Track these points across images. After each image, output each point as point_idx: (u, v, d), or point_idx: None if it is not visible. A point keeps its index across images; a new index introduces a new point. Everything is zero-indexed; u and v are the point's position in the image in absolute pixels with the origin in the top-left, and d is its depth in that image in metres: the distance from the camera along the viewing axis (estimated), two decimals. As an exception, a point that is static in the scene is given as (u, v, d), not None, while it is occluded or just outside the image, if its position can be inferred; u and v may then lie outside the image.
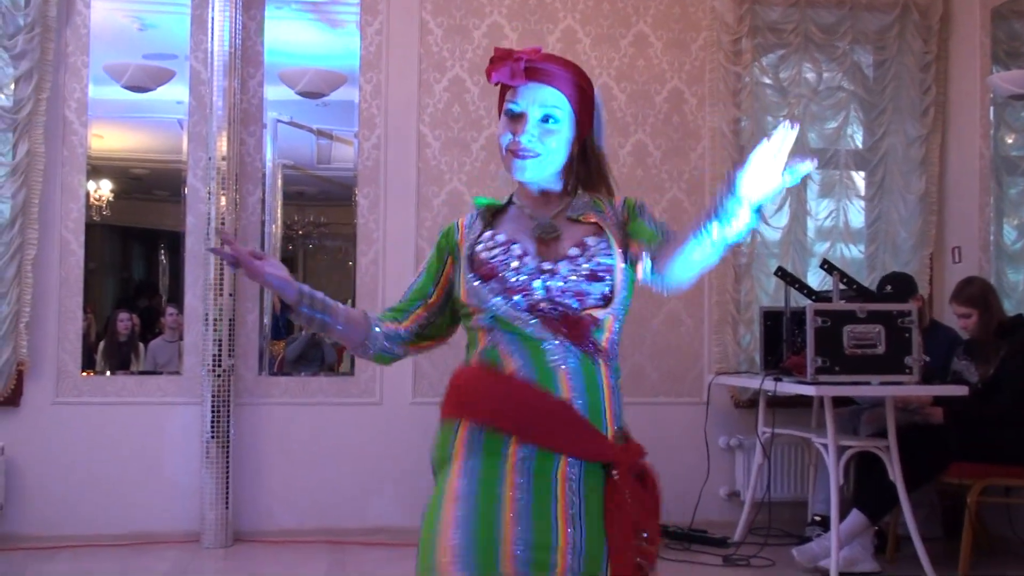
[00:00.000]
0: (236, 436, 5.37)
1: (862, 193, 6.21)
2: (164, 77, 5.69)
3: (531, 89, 2.04)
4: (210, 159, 5.39)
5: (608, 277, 2.04)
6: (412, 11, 5.72)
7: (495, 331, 2.02)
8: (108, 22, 5.62)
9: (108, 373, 5.55)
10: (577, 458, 1.96)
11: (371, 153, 5.69)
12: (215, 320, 5.32)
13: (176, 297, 5.66)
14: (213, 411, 5.28)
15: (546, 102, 2.04)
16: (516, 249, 2.05)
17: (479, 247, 2.09)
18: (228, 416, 5.31)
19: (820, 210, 6.20)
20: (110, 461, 5.35)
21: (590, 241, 2.06)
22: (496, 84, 2.08)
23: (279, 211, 5.91)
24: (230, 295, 5.35)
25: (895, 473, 4.67)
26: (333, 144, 6.44)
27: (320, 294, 2.13)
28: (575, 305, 2.01)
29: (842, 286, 5.08)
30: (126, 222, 6.00)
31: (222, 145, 5.36)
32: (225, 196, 5.35)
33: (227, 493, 5.28)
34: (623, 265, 2.05)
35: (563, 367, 1.99)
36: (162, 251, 6.17)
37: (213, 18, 5.38)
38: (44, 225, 5.35)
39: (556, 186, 2.12)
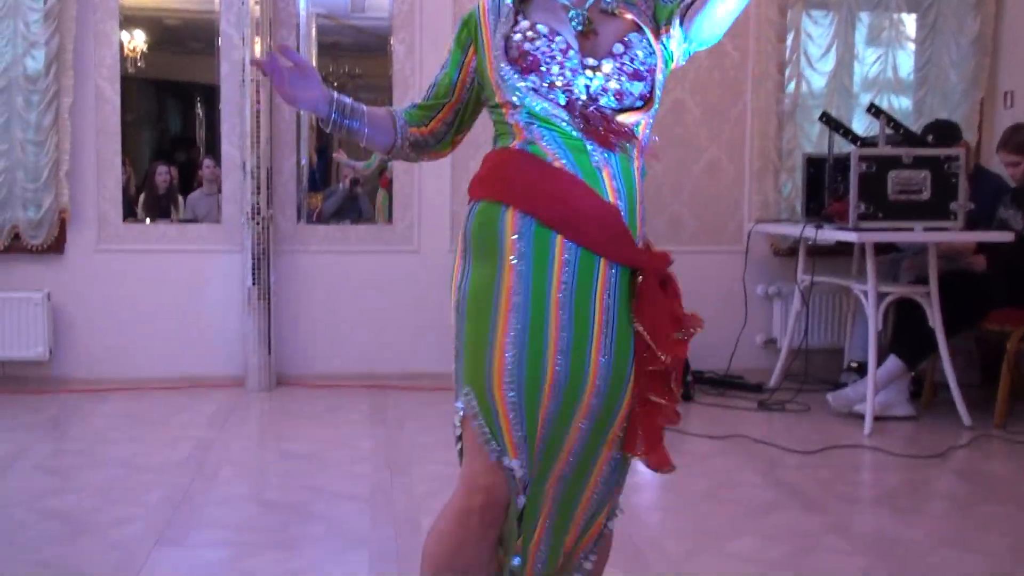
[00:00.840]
0: (276, 284, 5.44)
1: (912, 36, 6.01)
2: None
3: None
4: (243, 4, 5.29)
5: (649, 77, 1.94)
6: None
7: (533, 127, 1.92)
8: None
9: (148, 221, 5.59)
10: (616, 262, 1.91)
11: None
12: (253, 169, 5.32)
13: (213, 150, 5.65)
14: (253, 259, 5.33)
15: None
16: (560, 42, 1.93)
17: (516, 36, 1.95)
18: (268, 264, 5.36)
19: (868, 56, 6.01)
20: (154, 307, 5.45)
21: (633, 39, 1.96)
22: None
23: (314, 62, 5.80)
24: (267, 143, 5.33)
25: (935, 319, 4.65)
26: (367, -8, 6.29)
27: (350, 100, 2.04)
28: (614, 104, 1.92)
29: (888, 131, 4.96)
30: (161, 75, 5.94)
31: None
32: (260, 42, 5.27)
33: (269, 339, 5.38)
34: (663, 65, 1.97)
35: (607, 169, 1.90)
36: (198, 104, 6.11)
37: None
38: (79, 73, 5.31)
39: None
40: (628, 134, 1.92)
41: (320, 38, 5.84)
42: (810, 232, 4.96)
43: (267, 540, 3.21)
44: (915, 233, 4.63)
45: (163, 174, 5.75)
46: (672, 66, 2.02)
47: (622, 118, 1.92)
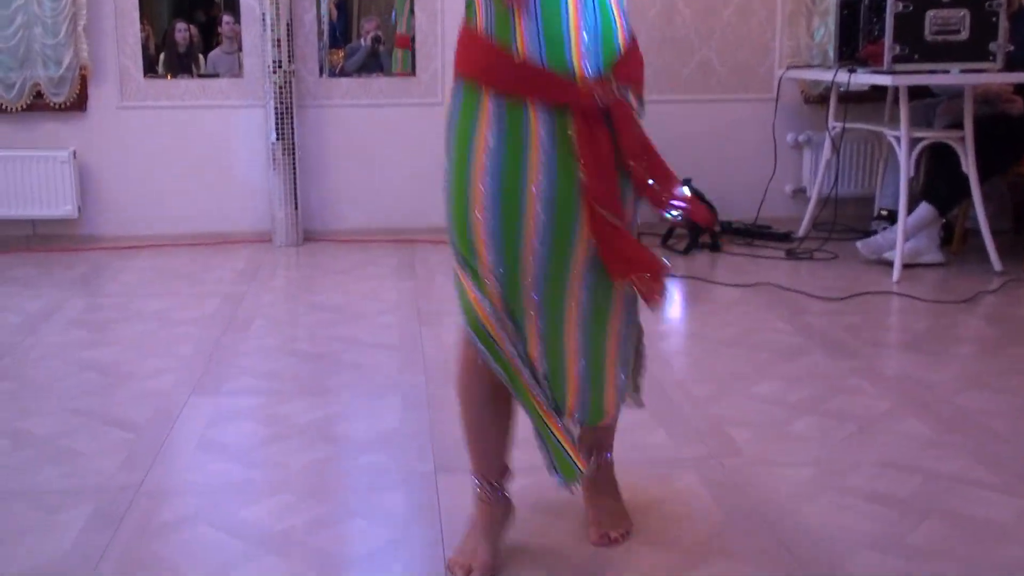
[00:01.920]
0: (300, 138, 5.40)
1: None
2: None
3: None
4: None
5: None
6: None
7: None
8: None
9: (170, 77, 5.51)
10: (536, 103, 1.87)
11: None
12: (273, 21, 5.21)
13: (232, 6, 5.51)
14: (277, 114, 5.28)
15: None
16: None
17: None
18: (292, 118, 5.31)
19: None
20: (180, 164, 5.44)
21: None
22: None
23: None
24: (285, -7, 5.21)
25: (968, 164, 4.57)
26: None
27: None
28: None
29: (927, -32, 4.76)
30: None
31: None
32: None
33: (295, 194, 5.37)
34: None
35: (525, 7, 1.83)
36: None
37: None
38: (91, -78, 5.18)
39: None
40: None
41: None
42: (843, 77, 4.83)
43: (299, 388, 3.27)
44: (952, 75, 4.51)
45: (182, 31, 5.64)
46: None
47: None
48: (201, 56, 5.69)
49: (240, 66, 5.46)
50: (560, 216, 1.91)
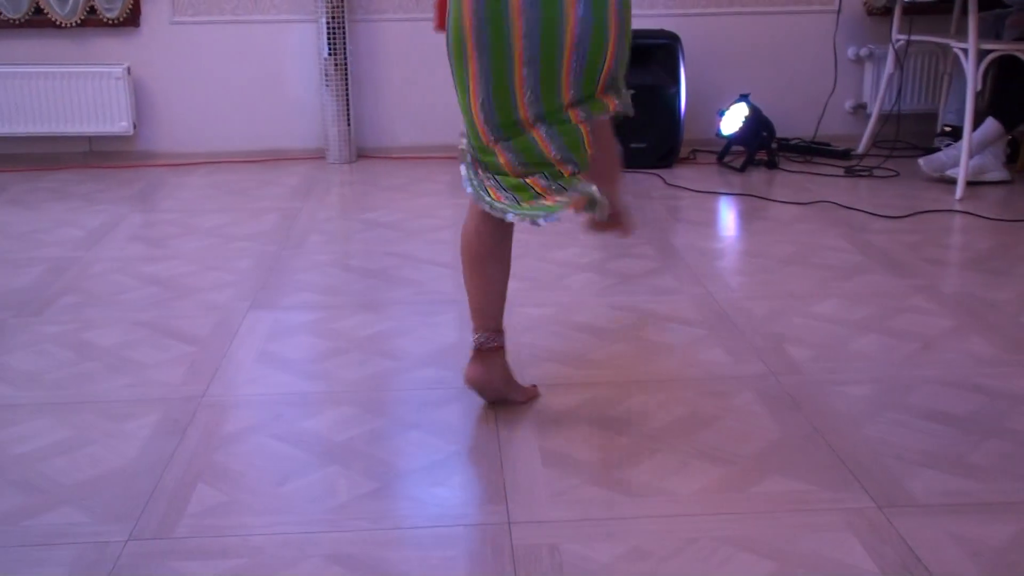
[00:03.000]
0: (353, 53, 5.36)
1: None
2: None
3: None
4: None
5: None
6: None
7: None
8: None
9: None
10: None
11: None
12: (323, -68, 5.14)
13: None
14: (329, 28, 5.23)
15: None
16: None
17: None
18: (344, 33, 5.26)
19: None
20: (233, 80, 5.43)
21: None
22: None
23: None
24: (336, -96, 5.12)
25: (1039, 78, 4.42)
26: None
27: None
28: None
29: None
30: None
31: None
32: None
33: (348, 110, 5.35)
34: None
35: None
36: None
37: None
38: None
39: None
40: None
41: None
42: (909, -13, 4.68)
43: (356, 302, 3.29)
44: (1024, -16, 4.35)
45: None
46: None
47: None
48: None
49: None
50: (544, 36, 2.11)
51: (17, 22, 5.25)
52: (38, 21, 5.27)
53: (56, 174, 5.15)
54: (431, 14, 5.37)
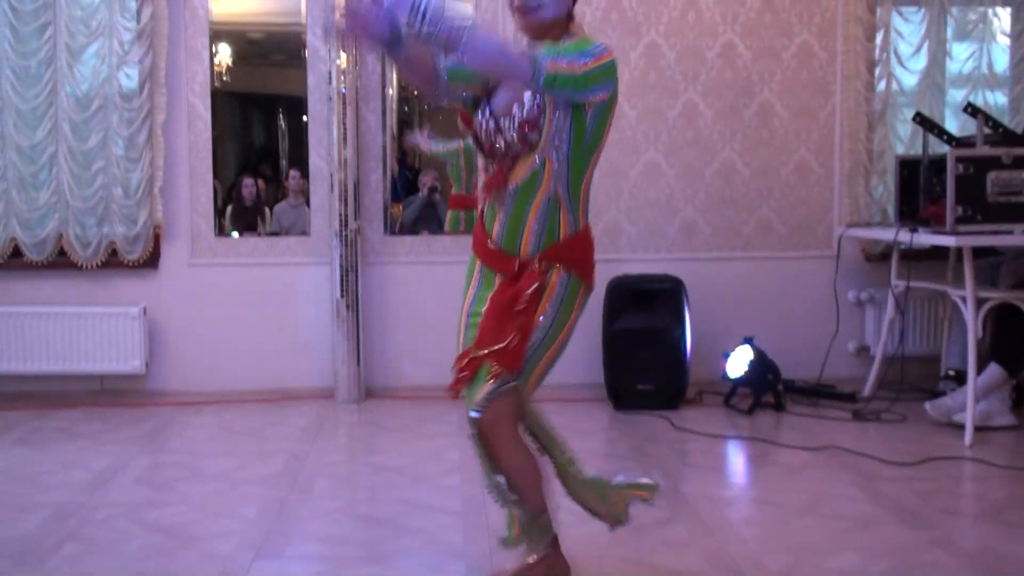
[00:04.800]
0: (364, 295, 5.49)
1: (1007, 31, 5.83)
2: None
3: None
4: (328, 19, 5.34)
5: (540, 125, 2.55)
6: None
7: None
8: None
9: (236, 235, 5.67)
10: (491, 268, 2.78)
11: (489, 5, 5.57)
12: (340, 181, 5.38)
13: (297, 161, 5.72)
14: (342, 271, 5.39)
15: None
16: (487, 111, 2.66)
17: (478, 110, 2.72)
18: (356, 276, 5.41)
19: (960, 52, 5.85)
20: (246, 320, 5.54)
21: (526, 97, 2.58)
22: None
23: (395, 73, 5.84)
24: (354, 156, 5.38)
25: (1038, 325, 4.50)
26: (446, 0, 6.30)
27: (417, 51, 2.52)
28: (516, 151, 2.60)
29: (987, 130, 4.81)
30: (245, 88, 6.03)
31: (340, 1, 5.30)
32: (345, 54, 5.32)
33: (358, 351, 5.43)
34: (557, 113, 2.53)
35: (503, 203, 2.67)
36: (281, 116, 6.20)
37: None
38: (171, 90, 5.42)
39: (545, 37, 2.60)
40: (507, 180, 2.64)
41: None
42: (905, 237, 4.84)
43: (362, 554, 3.23)
44: (1016, 236, 4.49)
45: (249, 186, 5.84)
46: (585, 121, 2.56)
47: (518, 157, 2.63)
48: (267, 209, 5.88)
49: (304, 219, 5.62)
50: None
51: (40, 264, 5.42)
52: (60, 263, 5.44)
53: (65, 412, 5.17)
54: (441, 258, 5.57)
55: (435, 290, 5.59)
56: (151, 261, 5.48)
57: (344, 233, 5.39)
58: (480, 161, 2.81)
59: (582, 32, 2.65)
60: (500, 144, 2.62)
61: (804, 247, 5.70)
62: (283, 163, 6.01)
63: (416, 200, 5.81)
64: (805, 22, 5.64)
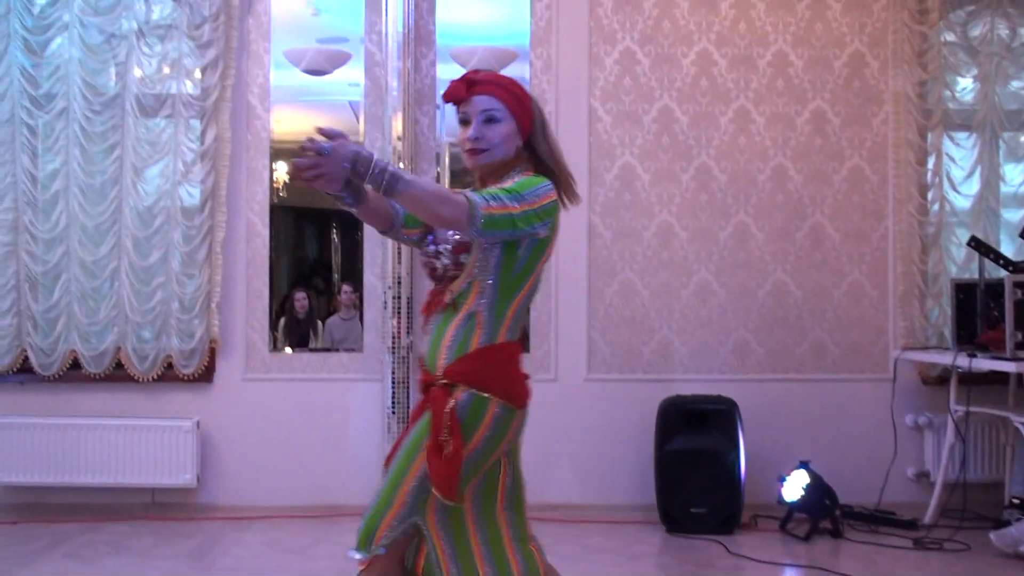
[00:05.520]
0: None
1: (1060, 154, 5.85)
2: (341, 60, 5.81)
3: (474, 100, 2.62)
4: (386, 139, 5.48)
5: (471, 249, 2.57)
6: (581, -16, 5.67)
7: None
8: (285, 8, 5.75)
9: (289, 350, 5.73)
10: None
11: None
12: (394, 298, 5.43)
13: (349, 275, 5.80)
14: (393, 388, 5.40)
15: (485, 106, 2.60)
16: (429, 236, 2.68)
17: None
18: (407, 393, 5.42)
19: (1013, 175, 5.85)
20: (298, 435, 5.55)
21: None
22: (447, 103, 2.65)
23: (447, 185, 5.96)
24: (408, 274, 5.45)
25: (1105, 455, 4.39)
26: (498, 120, 6.44)
27: (366, 188, 2.49)
28: (451, 273, 2.61)
29: (1044, 256, 4.79)
30: (300, 203, 6.16)
31: (397, 125, 5.45)
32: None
33: (408, 467, 5.39)
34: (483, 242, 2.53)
35: (434, 323, 2.66)
36: (334, 230, 6.31)
37: (387, 1, 5.46)
38: (232, 208, 5.56)
39: (495, 174, 2.63)
40: (441, 302, 2.63)
41: (453, 165, 5.98)
42: (963, 361, 4.78)
43: None
44: (1079, 363, 4.42)
45: (301, 300, 5.92)
46: (518, 249, 2.55)
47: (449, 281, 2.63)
48: (320, 322, 5.94)
49: (356, 332, 5.67)
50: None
51: (98, 376, 5.49)
52: (117, 375, 5.51)
53: (116, 526, 5.17)
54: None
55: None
56: (206, 375, 5.54)
57: (396, 349, 5.42)
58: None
59: (530, 170, 2.62)
60: (439, 267, 2.63)
61: (859, 369, 5.64)
62: (335, 277, 6.11)
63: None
64: (856, 146, 5.68)
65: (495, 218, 2.43)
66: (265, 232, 5.63)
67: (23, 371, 5.53)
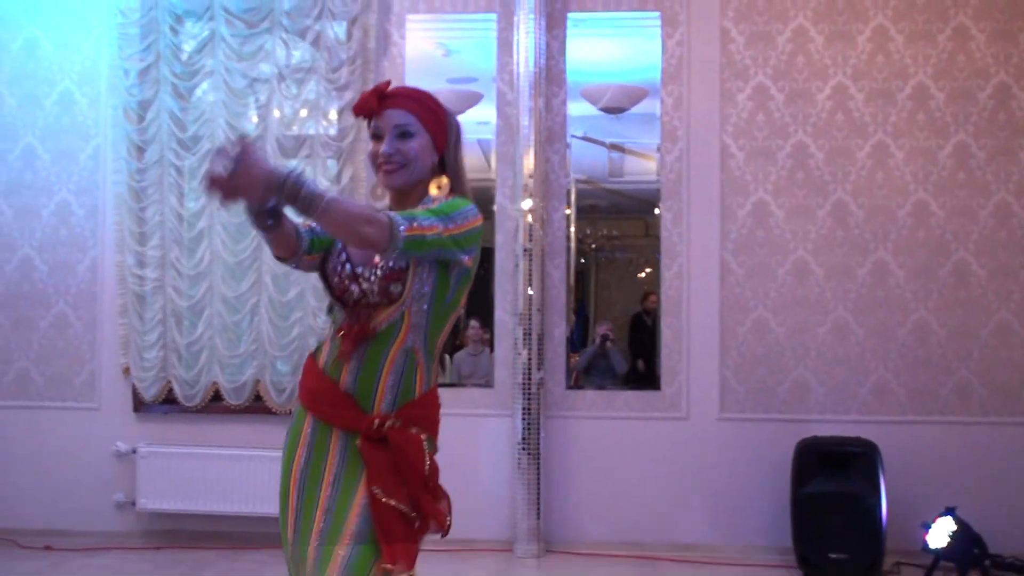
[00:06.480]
0: (545, 448, 5.48)
1: None
2: (472, 100, 5.91)
3: (386, 114, 2.46)
4: (517, 177, 5.53)
5: (403, 277, 2.38)
6: (713, 20, 5.64)
7: (333, 316, 2.51)
8: (417, 50, 5.87)
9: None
10: (338, 428, 2.41)
11: (673, 166, 5.64)
12: (525, 334, 5.45)
13: (477, 311, 5.85)
14: (524, 423, 5.41)
15: (398, 120, 2.45)
16: (343, 255, 2.47)
17: (332, 252, 2.51)
18: (538, 428, 5.42)
19: None
20: (428, 469, 5.59)
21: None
22: (358, 117, 2.52)
23: (572, 224, 5.99)
24: (539, 311, 5.47)
25: None
26: (625, 157, 6.47)
27: (284, 214, 2.33)
28: (373, 300, 2.40)
29: None
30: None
31: (529, 163, 5.49)
32: (532, 213, 5.47)
33: (538, 503, 5.39)
34: (421, 269, 2.38)
35: (356, 353, 2.40)
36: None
37: (518, 41, 5.53)
38: (367, 245, 5.66)
39: (411, 192, 2.49)
40: (367, 333, 2.40)
41: (578, 201, 6.01)
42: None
43: None
44: None
45: (430, 334, 5.99)
46: (449, 274, 2.43)
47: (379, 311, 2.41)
48: (447, 356, 6.01)
49: (484, 368, 5.71)
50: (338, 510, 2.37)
51: (238, 408, 5.65)
52: (255, 407, 5.67)
53: (254, 554, 5.29)
54: (623, 413, 5.54)
55: (616, 445, 5.54)
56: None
57: (527, 385, 5.44)
58: (328, 303, 2.55)
59: (454, 187, 2.51)
60: (355, 290, 2.42)
61: (1008, 412, 5.41)
62: (462, 311, 6.17)
63: (587, 351, 5.88)
64: (1002, 180, 5.49)
65: (416, 239, 2.29)
66: (399, 268, 5.72)
67: (167, 402, 5.73)
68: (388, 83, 2.51)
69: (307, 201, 2.14)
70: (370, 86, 5.65)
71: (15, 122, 5.91)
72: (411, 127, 2.45)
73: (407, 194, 2.49)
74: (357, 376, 2.40)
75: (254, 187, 2.10)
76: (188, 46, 5.79)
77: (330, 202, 2.16)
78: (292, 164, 2.29)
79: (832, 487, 4.97)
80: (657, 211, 5.69)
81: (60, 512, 5.70)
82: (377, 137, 2.47)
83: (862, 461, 5.01)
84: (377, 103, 2.46)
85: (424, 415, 2.49)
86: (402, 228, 2.25)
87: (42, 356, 5.84)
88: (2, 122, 5.91)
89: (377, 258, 2.40)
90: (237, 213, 5.67)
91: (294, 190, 2.12)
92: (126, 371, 5.75)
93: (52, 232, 5.87)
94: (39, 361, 5.84)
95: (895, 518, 5.11)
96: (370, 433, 2.36)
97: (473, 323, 5.96)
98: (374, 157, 2.47)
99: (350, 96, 5.63)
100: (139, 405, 5.76)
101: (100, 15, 5.83)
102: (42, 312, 5.86)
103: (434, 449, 2.56)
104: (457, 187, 2.52)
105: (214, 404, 5.71)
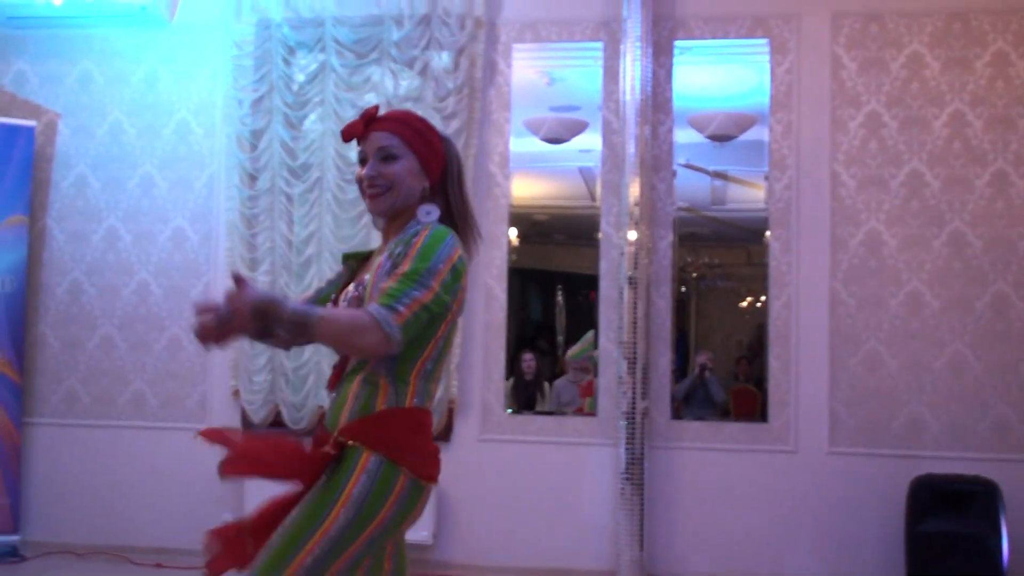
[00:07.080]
0: (649, 478, 5.41)
1: None
2: (578, 128, 5.91)
3: (371, 136, 2.45)
4: (623, 205, 5.50)
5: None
6: (823, 47, 5.55)
7: None
8: (522, 78, 5.90)
9: (510, 411, 5.75)
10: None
11: (782, 194, 5.55)
12: (630, 363, 5.41)
13: (576, 338, 5.83)
14: (628, 453, 5.35)
15: (382, 142, 2.43)
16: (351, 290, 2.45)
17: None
18: (642, 459, 5.36)
19: None
20: (531, 497, 5.58)
21: (366, 277, 2.42)
22: (346, 141, 2.51)
23: (670, 252, 5.92)
24: (643, 340, 5.42)
25: None
26: (728, 185, 6.39)
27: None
28: None
29: None
30: (526, 265, 6.27)
31: (634, 191, 5.46)
32: (636, 242, 5.44)
33: (641, 535, 5.32)
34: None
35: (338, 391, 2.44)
36: (559, 292, 6.37)
37: (625, 69, 5.52)
38: (472, 272, 5.67)
39: (398, 216, 2.45)
40: (342, 365, 2.44)
41: (680, 230, 5.94)
42: None
43: None
44: None
45: (529, 361, 6.00)
46: None
47: None
48: (546, 384, 6.00)
49: (584, 396, 5.68)
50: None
51: (302, 432, 5.70)
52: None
53: None
54: (729, 445, 5.45)
55: (722, 477, 5.45)
56: (444, 434, 5.66)
57: (632, 415, 5.38)
58: None
59: (458, 224, 2.47)
60: None
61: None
62: (560, 338, 6.15)
63: (686, 380, 5.81)
64: None
65: (409, 323, 2.25)
66: (503, 296, 5.74)
67: (275, 424, 5.82)
68: (376, 108, 2.51)
69: (299, 327, 2.15)
70: (477, 115, 5.74)
71: (134, 151, 6.11)
72: (395, 149, 2.42)
73: (394, 219, 2.46)
74: (332, 407, 2.41)
75: (245, 327, 2.15)
76: (300, 77, 5.92)
77: (318, 323, 2.16)
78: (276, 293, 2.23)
79: (951, 526, 4.80)
80: (766, 239, 5.60)
81: (171, 530, 5.82)
82: (363, 161, 2.46)
83: (981, 500, 4.84)
84: (363, 127, 2.46)
85: (382, 434, 2.32)
86: (392, 321, 2.23)
87: (156, 378, 6.00)
88: (122, 151, 6.12)
89: (352, 287, 2.43)
90: (345, 239, 5.77)
91: (283, 319, 2.13)
92: (235, 394, 5.87)
93: (168, 257, 6.04)
94: (153, 382, 6.00)
95: (1018, 561, 4.91)
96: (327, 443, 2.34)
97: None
98: (359, 181, 2.45)
99: (457, 125, 5.68)
100: (248, 427, 5.86)
101: (216, 48, 6.00)
102: (156, 335, 6.02)
103: (408, 478, 2.32)
104: (457, 219, 2.49)
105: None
